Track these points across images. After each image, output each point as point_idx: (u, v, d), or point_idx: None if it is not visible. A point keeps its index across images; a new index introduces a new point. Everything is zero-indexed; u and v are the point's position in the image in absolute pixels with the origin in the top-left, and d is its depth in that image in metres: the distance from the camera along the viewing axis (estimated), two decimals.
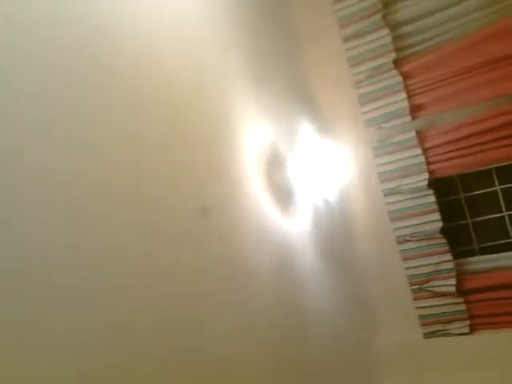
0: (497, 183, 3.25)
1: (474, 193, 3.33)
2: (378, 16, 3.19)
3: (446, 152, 3.13)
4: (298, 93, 3.21)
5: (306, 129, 3.12)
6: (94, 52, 1.51)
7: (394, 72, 3.19)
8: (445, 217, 3.17)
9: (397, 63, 3.21)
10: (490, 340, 3.03)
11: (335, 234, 3.20)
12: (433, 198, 3.16)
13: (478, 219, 3.33)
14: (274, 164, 2.65)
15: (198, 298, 1.71)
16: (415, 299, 3.23)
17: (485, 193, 3.30)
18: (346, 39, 3.32)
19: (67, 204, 1.27)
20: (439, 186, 3.29)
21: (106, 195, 1.41)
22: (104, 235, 1.37)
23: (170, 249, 1.63)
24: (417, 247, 3.21)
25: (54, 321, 1.16)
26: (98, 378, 1.24)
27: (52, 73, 1.33)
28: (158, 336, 1.47)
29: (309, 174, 2.98)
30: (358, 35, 3.27)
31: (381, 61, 3.22)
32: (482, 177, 3.29)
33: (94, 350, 1.24)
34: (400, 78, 3.17)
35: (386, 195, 3.29)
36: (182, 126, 1.89)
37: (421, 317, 3.22)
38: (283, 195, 2.66)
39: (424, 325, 3.21)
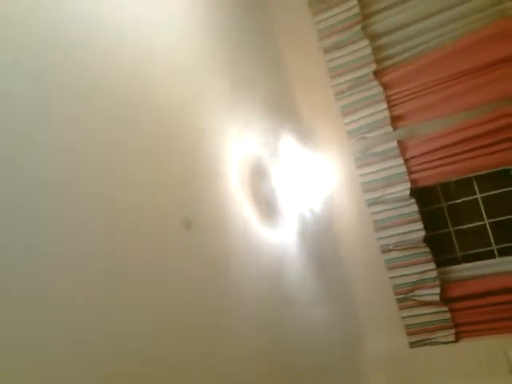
0: (477, 192, 3.28)
1: (455, 201, 3.37)
2: (358, 27, 3.22)
3: (428, 161, 3.17)
4: (280, 105, 3.21)
5: (289, 140, 3.11)
6: (84, 59, 1.48)
7: (375, 83, 3.22)
8: (427, 226, 3.19)
9: (377, 74, 3.24)
10: (475, 347, 3.05)
11: (320, 244, 3.19)
12: (415, 208, 3.18)
13: (460, 227, 3.36)
14: (259, 176, 2.63)
15: (180, 310, 1.68)
16: (400, 309, 3.24)
17: (466, 201, 3.34)
18: (327, 51, 3.34)
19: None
20: (421, 195, 3.31)
21: (90, 205, 1.38)
22: (85, 244, 1.33)
23: (153, 260, 1.60)
24: (401, 256, 3.22)
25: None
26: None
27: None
28: (142, 344, 1.44)
29: (293, 186, 2.97)
30: (338, 47, 3.30)
31: (361, 72, 3.25)
32: (463, 186, 3.33)
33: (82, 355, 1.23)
34: (381, 89, 3.21)
35: (369, 205, 3.30)
36: (167, 137, 1.87)
37: (406, 326, 3.22)
38: (268, 207, 2.64)
39: (410, 334, 3.22)
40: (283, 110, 3.25)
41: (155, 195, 1.71)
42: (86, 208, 1.37)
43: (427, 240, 3.17)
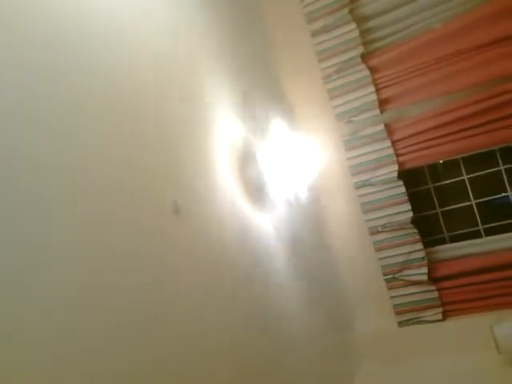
0: (464, 173, 3.32)
1: (442, 183, 3.41)
2: (345, 11, 3.22)
3: (415, 143, 3.20)
4: (268, 89, 3.22)
5: (277, 124, 3.13)
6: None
7: (362, 66, 3.23)
8: (415, 207, 3.23)
9: (364, 57, 3.25)
10: (462, 325, 3.11)
11: (309, 228, 3.23)
12: (403, 189, 3.22)
13: (447, 208, 3.40)
14: (247, 160, 2.65)
15: (168, 296, 1.71)
16: (389, 288, 3.29)
17: (453, 183, 3.38)
18: (314, 34, 3.34)
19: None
20: (409, 176, 3.35)
21: (77, 192, 1.40)
22: (76, 232, 1.35)
23: (141, 246, 1.63)
24: (389, 238, 3.27)
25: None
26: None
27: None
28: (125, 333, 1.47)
29: (281, 169, 2.99)
30: (325, 30, 3.30)
31: (349, 55, 3.26)
32: (450, 167, 3.37)
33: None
34: (368, 72, 3.22)
35: (357, 187, 3.33)
36: (155, 124, 1.88)
37: (395, 306, 3.28)
38: (256, 190, 2.67)
39: (398, 313, 3.27)
40: (271, 93, 3.26)
41: (143, 182, 1.73)
42: (78, 200, 1.40)
43: (415, 221, 3.22)
